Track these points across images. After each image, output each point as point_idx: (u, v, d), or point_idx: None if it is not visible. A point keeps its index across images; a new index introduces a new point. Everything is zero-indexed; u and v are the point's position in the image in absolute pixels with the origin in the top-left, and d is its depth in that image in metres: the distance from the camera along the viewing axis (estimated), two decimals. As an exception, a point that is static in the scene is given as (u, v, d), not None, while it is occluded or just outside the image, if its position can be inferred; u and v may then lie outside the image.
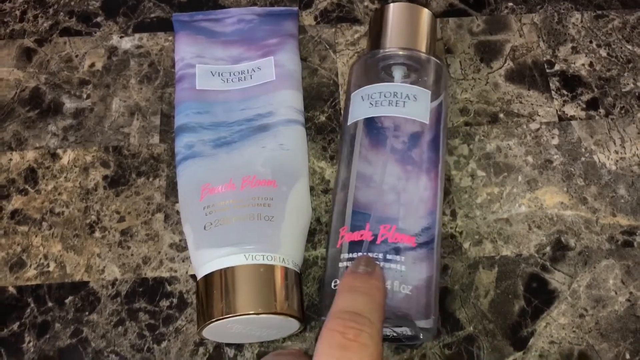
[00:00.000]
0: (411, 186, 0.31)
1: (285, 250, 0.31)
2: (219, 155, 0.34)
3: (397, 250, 0.29)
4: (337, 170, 0.34)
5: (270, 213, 0.31)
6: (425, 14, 0.35)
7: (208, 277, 0.30)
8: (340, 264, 0.29)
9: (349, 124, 0.33)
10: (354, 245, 0.29)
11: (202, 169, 0.33)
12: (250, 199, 0.31)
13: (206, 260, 0.30)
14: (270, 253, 0.30)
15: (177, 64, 0.38)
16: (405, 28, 0.35)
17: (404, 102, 0.32)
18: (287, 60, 0.37)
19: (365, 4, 0.42)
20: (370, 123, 0.32)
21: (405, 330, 0.29)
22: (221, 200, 0.32)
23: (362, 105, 0.33)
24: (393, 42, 0.34)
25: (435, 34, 0.36)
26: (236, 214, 0.31)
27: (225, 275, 0.30)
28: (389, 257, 0.29)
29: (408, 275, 0.29)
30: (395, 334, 0.30)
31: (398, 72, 0.33)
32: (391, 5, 0.35)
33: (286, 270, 0.30)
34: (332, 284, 0.29)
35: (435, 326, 0.29)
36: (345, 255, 0.29)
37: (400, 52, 0.34)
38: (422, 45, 0.34)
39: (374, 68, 0.34)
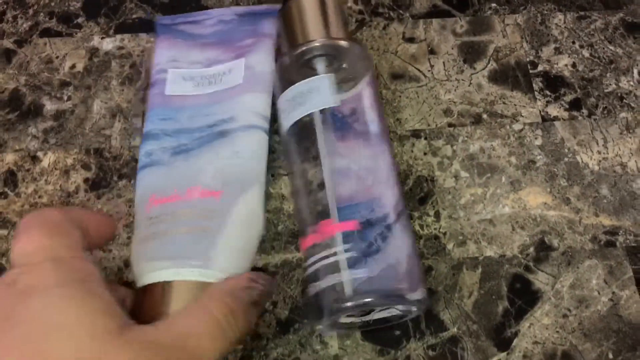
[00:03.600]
0: (380, 164, 0.32)
1: (222, 265, 0.29)
2: (175, 164, 0.32)
3: (388, 228, 0.29)
4: (299, 173, 0.33)
5: (208, 225, 0.29)
6: (330, 0, 0.34)
7: (143, 290, 0.29)
8: (336, 257, 0.29)
9: (286, 130, 0.33)
10: (348, 236, 0.29)
11: (155, 179, 0.32)
12: (191, 211, 0.30)
13: (142, 273, 0.29)
14: (204, 269, 0.28)
15: (154, 68, 0.37)
16: (314, 19, 0.34)
17: (304, 99, 0.32)
18: (258, 62, 0.35)
19: (349, 4, 0.42)
20: (329, 117, 0.32)
21: (395, 310, 0.30)
22: (163, 211, 0.30)
23: (288, 110, 0.33)
24: (308, 35, 0.33)
25: (345, 17, 0.35)
26: (174, 227, 0.29)
27: (158, 290, 0.28)
28: (384, 234, 0.29)
29: (391, 250, 0.29)
30: (386, 315, 0.30)
31: (320, 65, 0.33)
32: (292, 2, 0.34)
33: None
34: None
35: (426, 297, 0.29)
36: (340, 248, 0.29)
37: (317, 44, 0.33)
38: (336, 32, 0.34)
39: (295, 68, 0.34)
